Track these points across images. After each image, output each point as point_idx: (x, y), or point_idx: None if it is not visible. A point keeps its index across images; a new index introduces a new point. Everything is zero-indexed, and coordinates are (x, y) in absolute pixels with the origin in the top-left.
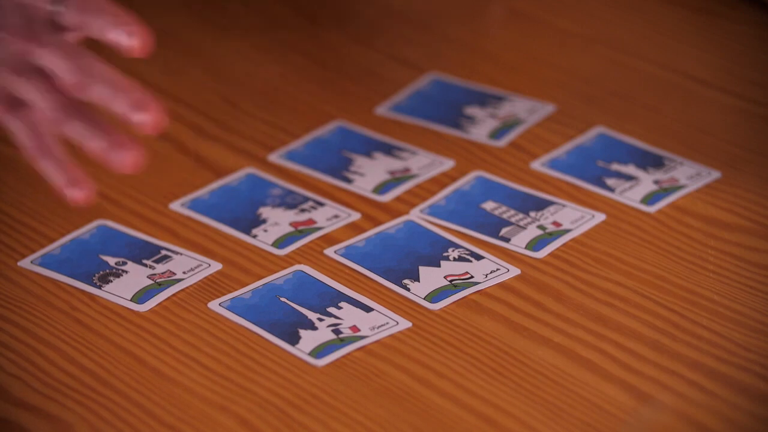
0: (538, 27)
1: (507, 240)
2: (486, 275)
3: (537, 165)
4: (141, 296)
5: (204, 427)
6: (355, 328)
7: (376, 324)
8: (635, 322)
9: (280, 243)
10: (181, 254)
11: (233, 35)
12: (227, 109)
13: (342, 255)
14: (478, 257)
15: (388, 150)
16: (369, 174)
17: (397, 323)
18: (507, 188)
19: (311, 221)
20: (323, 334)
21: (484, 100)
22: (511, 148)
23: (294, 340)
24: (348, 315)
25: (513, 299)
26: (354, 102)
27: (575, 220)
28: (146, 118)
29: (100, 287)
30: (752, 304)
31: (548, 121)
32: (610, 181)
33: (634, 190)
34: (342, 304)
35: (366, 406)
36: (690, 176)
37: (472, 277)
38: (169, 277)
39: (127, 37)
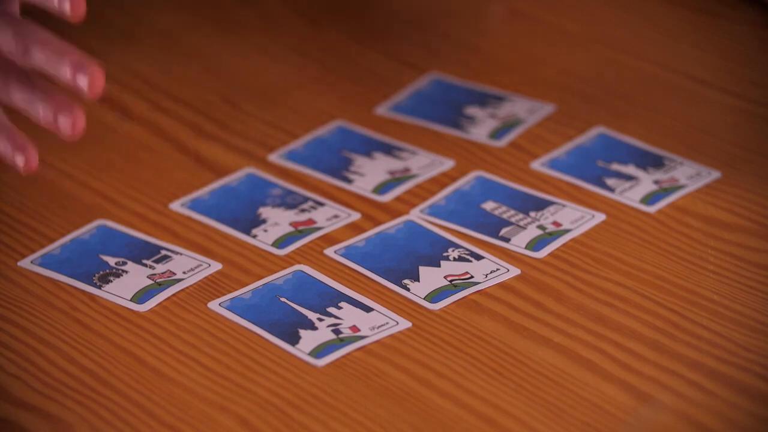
0: (538, 27)
1: (507, 240)
2: (486, 275)
3: (537, 165)
4: (141, 296)
5: (204, 427)
6: (355, 328)
7: (376, 324)
8: (635, 322)
9: (280, 243)
10: (181, 254)
11: (233, 35)
12: (227, 109)
13: (342, 255)
14: (478, 257)
15: (388, 150)
16: (369, 174)
17: (397, 323)
18: (507, 188)
19: (311, 221)
20: (323, 334)
21: (484, 100)
22: (511, 148)
23: (294, 340)
24: (348, 315)
25: (513, 299)
26: (354, 102)
27: (575, 220)
28: (88, 79)
29: (100, 287)
30: (752, 304)
31: (548, 121)
32: (610, 181)
33: (634, 190)
34: (342, 304)
35: (366, 406)
36: (690, 176)
37: (472, 277)
38: (169, 277)
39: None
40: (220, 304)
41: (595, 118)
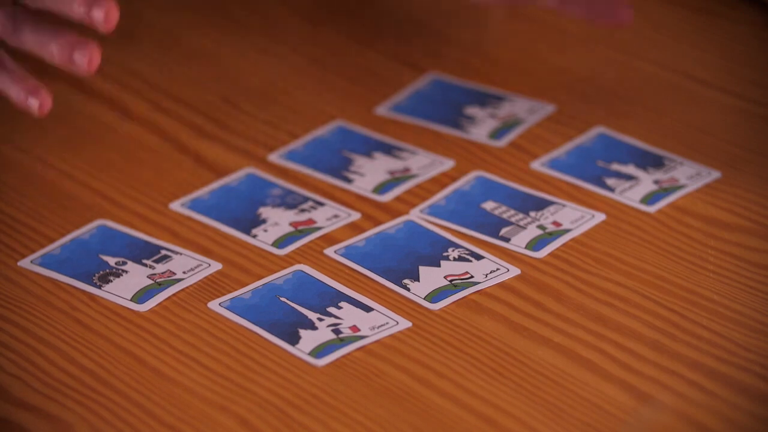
0: (538, 27)
1: (507, 240)
2: (486, 275)
3: (537, 165)
4: (141, 296)
5: (204, 427)
6: (355, 328)
7: (376, 324)
8: (635, 322)
9: (280, 243)
10: (181, 254)
11: (233, 35)
12: (227, 109)
13: (342, 255)
14: (478, 257)
15: (388, 150)
16: (369, 174)
17: (397, 323)
18: (507, 188)
19: (311, 221)
20: (323, 334)
21: (484, 100)
22: (511, 148)
23: (294, 340)
24: (348, 315)
25: (513, 299)
26: (354, 102)
27: (575, 220)
28: (104, 12)
29: (100, 287)
30: (752, 304)
31: (548, 121)
32: (610, 181)
33: (634, 190)
34: (342, 303)
35: (366, 406)
36: (690, 176)
37: (472, 277)
38: (169, 277)
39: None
40: (220, 304)
41: (595, 118)
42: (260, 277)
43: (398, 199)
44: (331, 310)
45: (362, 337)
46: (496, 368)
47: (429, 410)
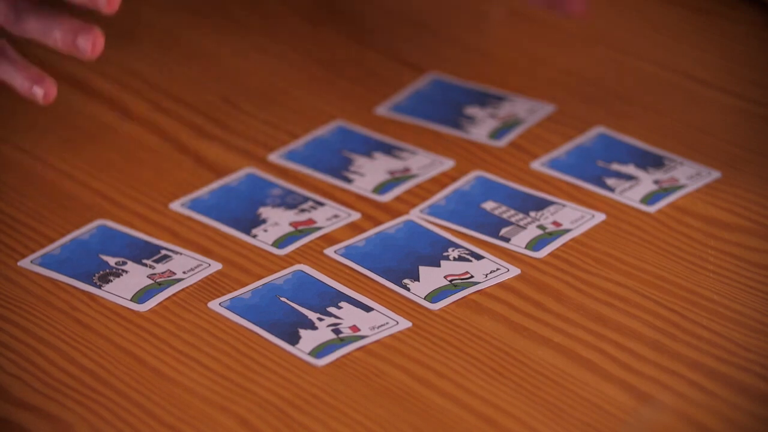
0: (538, 27)
1: (507, 240)
2: (486, 275)
3: (537, 165)
4: (141, 296)
5: (204, 427)
6: (355, 328)
7: (376, 324)
8: (635, 322)
9: (280, 243)
10: (181, 254)
11: (233, 35)
12: (227, 109)
13: (342, 255)
14: (478, 257)
15: (388, 150)
16: (369, 174)
17: (397, 323)
18: (507, 188)
19: (311, 221)
20: (323, 333)
21: (484, 100)
22: (511, 148)
23: (294, 340)
24: (348, 315)
25: (513, 299)
26: (354, 102)
27: (575, 220)
28: (86, 42)
29: (100, 287)
30: (752, 304)
31: (548, 121)
32: (610, 181)
33: (634, 190)
34: (342, 303)
35: (366, 406)
36: (690, 176)
37: (472, 276)
38: (169, 277)
39: None
40: (220, 304)
41: (595, 118)
42: (260, 277)
43: (398, 199)
44: (331, 310)
45: (362, 337)
46: (496, 368)
47: (429, 410)
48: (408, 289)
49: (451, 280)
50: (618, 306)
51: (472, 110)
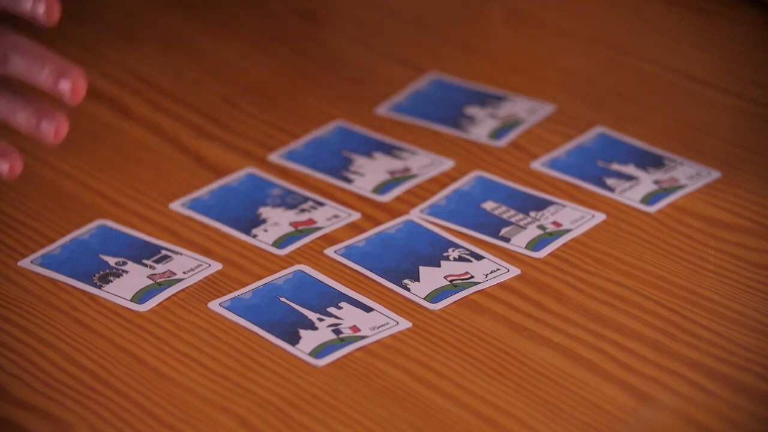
0: (538, 27)
1: (507, 240)
2: (486, 275)
3: (537, 165)
4: (141, 296)
5: (204, 427)
6: (355, 328)
7: (376, 324)
8: (635, 322)
9: (280, 243)
10: (181, 254)
11: (233, 35)
12: (227, 109)
13: (342, 255)
14: (478, 257)
15: (388, 150)
16: (369, 174)
17: (397, 323)
18: (507, 188)
19: (311, 221)
20: (323, 334)
21: (484, 100)
22: (511, 148)
23: (294, 340)
24: (348, 315)
25: (513, 299)
26: (354, 102)
27: (575, 220)
28: (69, 85)
29: (100, 287)
30: (752, 304)
31: (548, 121)
32: (610, 181)
33: (634, 190)
34: (342, 304)
35: (366, 406)
36: (690, 176)
37: (472, 277)
38: (169, 277)
39: (33, 4)
40: (220, 304)
41: (595, 118)
42: (260, 277)
43: (398, 199)
44: (332, 310)
45: (362, 337)
46: (496, 368)
47: (429, 410)
48: (408, 290)
49: (451, 281)
50: (618, 306)
51: (472, 110)
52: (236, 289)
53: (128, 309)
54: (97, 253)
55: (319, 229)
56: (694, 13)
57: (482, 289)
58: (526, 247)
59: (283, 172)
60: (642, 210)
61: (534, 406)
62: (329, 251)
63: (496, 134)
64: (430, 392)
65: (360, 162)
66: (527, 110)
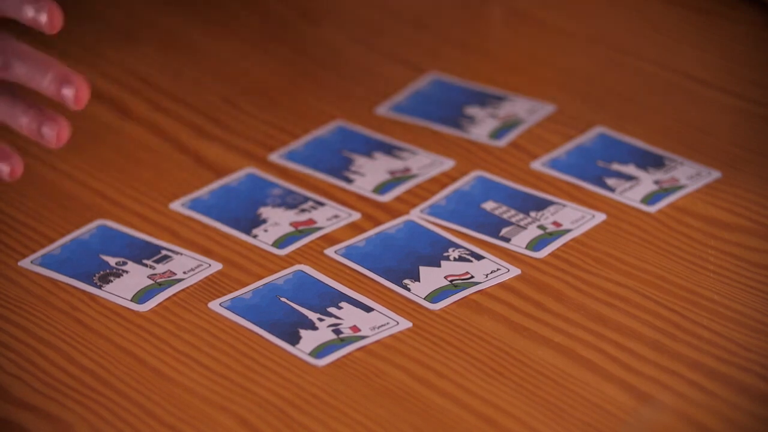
0: (538, 27)
1: (507, 240)
2: (486, 275)
3: (537, 165)
4: (141, 296)
5: (204, 427)
6: (355, 328)
7: (377, 324)
8: (635, 322)
9: (281, 243)
10: (182, 254)
11: (233, 35)
12: (227, 109)
13: (342, 255)
14: (479, 257)
15: (389, 150)
16: (369, 174)
17: (398, 323)
18: (507, 188)
19: (311, 221)
20: (323, 334)
21: (484, 100)
22: (511, 148)
23: (294, 340)
24: (348, 315)
25: (513, 299)
26: (354, 102)
27: (575, 220)
28: (72, 91)
29: (100, 287)
30: (752, 304)
31: (548, 121)
32: (610, 181)
33: (635, 190)
34: (342, 304)
35: (366, 406)
36: (690, 176)
37: (472, 277)
38: (169, 277)
39: (35, 12)
40: (220, 304)
41: (595, 118)
42: (260, 277)
43: (398, 199)
44: (332, 310)
45: (362, 337)
46: (497, 368)
47: (429, 410)
48: (408, 290)
49: (451, 281)
50: (618, 306)
51: (472, 110)
52: (236, 289)
53: (128, 309)
54: (97, 253)
55: (319, 229)
56: (694, 13)
57: (482, 289)
58: (527, 247)
59: (283, 172)
60: (642, 210)
61: (534, 406)
62: (329, 251)
63: (496, 134)
64: (430, 392)
65: (360, 162)
66: (527, 110)
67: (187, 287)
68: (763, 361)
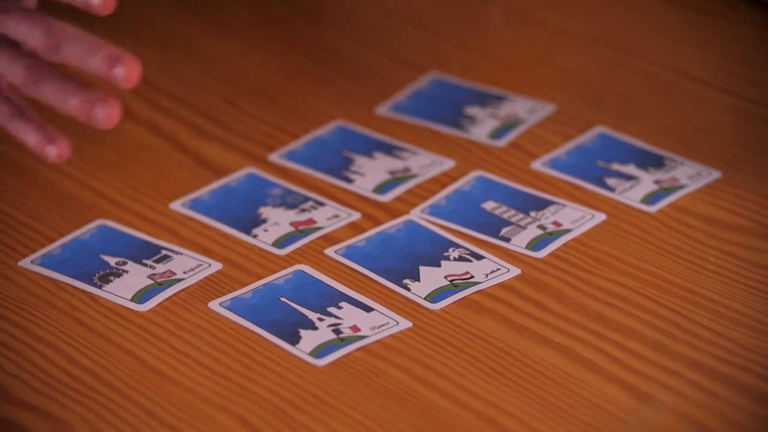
0: (538, 27)
1: (507, 240)
2: (486, 275)
3: (537, 165)
4: (141, 296)
5: (204, 427)
6: (355, 328)
7: (377, 324)
8: (635, 322)
9: (281, 243)
10: (182, 254)
11: (233, 35)
12: (227, 109)
13: (342, 255)
14: (479, 257)
15: (389, 150)
16: (369, 174)
17: (398, 323)
18: (507, 188)
19: (311, 221)
20: (323, 333)
21: (484, 100)
22: (511, 148)
23: (294, 340)
24: (348, 315)
25: (513, 299)
26: (354, 102)
27: (575, 220)
28: (123, 70)
29: (100, 287)
30: (753, 304)
31: (548, 121)
32: (610, 181)
33: (635, 190)
34: (342, 304)
35: (366, 406)
36: (690, 176)
37: (472, 277)
38: (169, 277)
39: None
40: (220, 304)
41: (595, 118)
42: (260, 277)
43: (398, 199)
44: (332, 310)
45: (362, 337)
46: (497, 368)
47: (429, 410)
48: (408, 289)
49: (451, 280)
50: (618, 306)
51: (472, 110)
52: (236, 289)
53: (128, 309)
54: (97, 253)
55: (319, 229)
56: (694, 13)
57: (482, 289)
58: (527, 247)
59: (283, 172)
60: (642, 210)
61: (534, 406)
62: (329, 251)
63: (497, 134)
64: (431, 392)
65: (360, 162)
66: (527, 110)
67: (187, 287)
68: (763, 361)
